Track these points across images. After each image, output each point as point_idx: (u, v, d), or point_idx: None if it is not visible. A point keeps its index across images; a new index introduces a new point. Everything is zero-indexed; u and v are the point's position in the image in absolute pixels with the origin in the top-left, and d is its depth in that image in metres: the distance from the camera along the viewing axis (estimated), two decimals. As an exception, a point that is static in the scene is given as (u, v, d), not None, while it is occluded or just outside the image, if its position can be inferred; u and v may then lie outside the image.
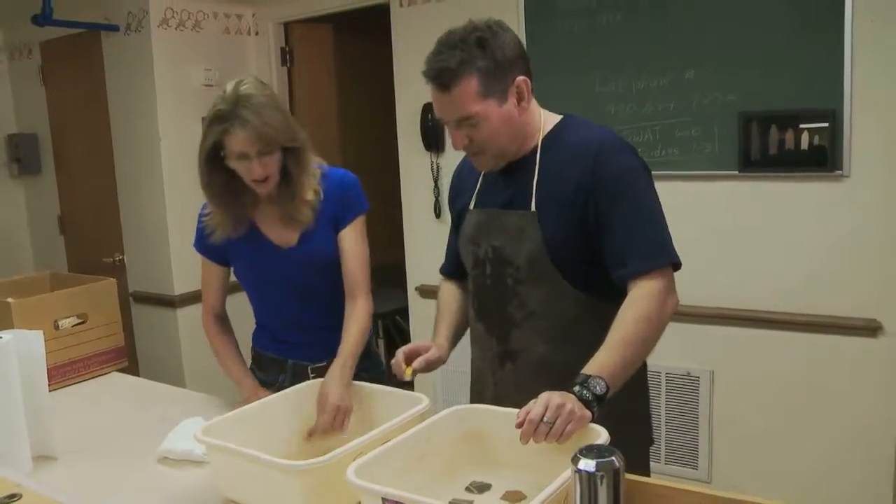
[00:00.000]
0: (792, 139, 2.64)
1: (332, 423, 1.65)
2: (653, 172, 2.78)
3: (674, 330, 2.91)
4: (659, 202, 1.58)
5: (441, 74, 1.50)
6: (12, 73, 4.34)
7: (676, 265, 1.54)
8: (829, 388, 2.71)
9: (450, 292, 1.84)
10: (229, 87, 1.75)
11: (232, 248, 1.92)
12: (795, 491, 2.79)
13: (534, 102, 1.63)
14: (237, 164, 1.76)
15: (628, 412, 1.34)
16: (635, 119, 2.94)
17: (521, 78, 1.55)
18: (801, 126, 2.61)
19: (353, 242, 1.91)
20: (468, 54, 1.49)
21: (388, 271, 3.71)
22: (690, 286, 2.88)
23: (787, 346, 2.77)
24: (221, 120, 1.72)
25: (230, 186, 1.82)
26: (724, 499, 1.18)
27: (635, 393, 1.62)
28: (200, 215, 1.95)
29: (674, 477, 2.99)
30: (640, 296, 1.47)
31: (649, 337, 1.46)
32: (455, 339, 1.75)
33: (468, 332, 1.79)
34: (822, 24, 2.53)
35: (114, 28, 3.71)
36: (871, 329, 2.61)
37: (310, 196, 1.86)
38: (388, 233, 3.68)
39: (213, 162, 1.78)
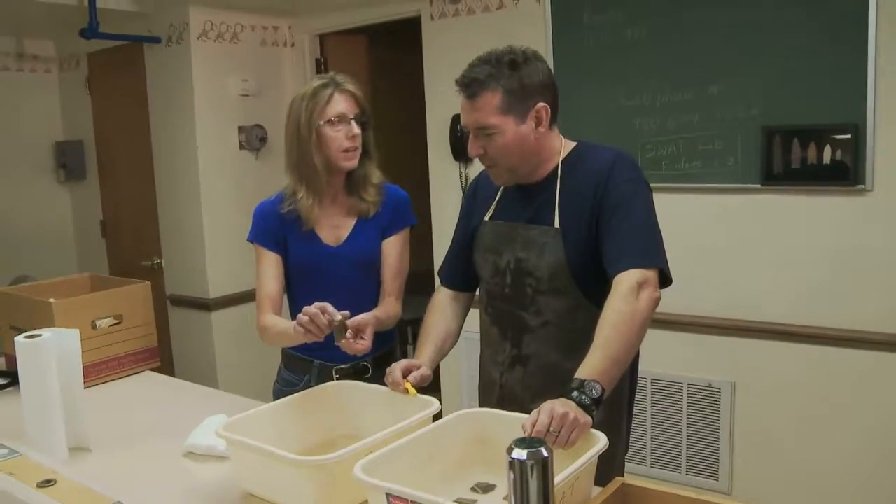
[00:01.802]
0: (814, 153, 2.65)
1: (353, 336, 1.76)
2: (676, 185, 2.82)
3: (695, 341, 3.00)
4: (655, 215, 1.66)
5: (469, 84, 1.64)
6: (61, 83, 4.53)
7: (662, 272, 1.61)
8: (850, 401, 2.71)
9: (440, 310, 1.91)
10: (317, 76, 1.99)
11: (285, 238, 2.02)
12: (817, 503, 2.79)
13: (555, 130, 1.74)
14: (333, 132, 1.90)
15: (602, 422, 1.42)
16: (659, 132, 2.98)
17: (542, 104, 1.66)
18: (824, 139, 2.62)
19: (395, 251, 2.06)
20: (497, 71, 1.62)
21: (417, 279, 3.76)
22: (712, 298, 2.94)
23: (809, 358, 2.78)
24: (323, 88, 1.91)
25: (317, 167, 1.94)
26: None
27: (612, 404, 1.69)
28: (259, 208, 2.05)
29: (694, 488, 3.01)
30: (614, 293, 1.55)
31: (628, 332, 1.51)
32: (437, 360, 1.83)
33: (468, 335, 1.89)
34: (845, 37, 2.54)
35: (156, 40, 3.86)
36: (892, 343, 2.60)
37: (376, 179, 2.02)
38: (417, 241, 3.75)
39: (315, 138, 1.91)
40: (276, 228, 2.01)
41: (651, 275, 1.57)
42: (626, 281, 1.55)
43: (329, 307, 1.71)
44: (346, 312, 1.73)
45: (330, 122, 1.90)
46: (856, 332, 2.66)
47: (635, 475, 3.07)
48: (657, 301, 1.57)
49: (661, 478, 3.10)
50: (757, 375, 2.90)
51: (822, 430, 2.78)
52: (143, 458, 1.78)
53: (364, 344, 1.77)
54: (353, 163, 1.95)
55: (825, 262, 2.71)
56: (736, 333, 2.92)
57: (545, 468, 0.74)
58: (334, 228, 2.02)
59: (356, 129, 1.92)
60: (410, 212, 2.11)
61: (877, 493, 2.68)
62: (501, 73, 1.62)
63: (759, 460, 2.93)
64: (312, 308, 1.70)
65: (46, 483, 1.40)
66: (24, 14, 3.68)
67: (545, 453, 0.74)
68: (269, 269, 2.03)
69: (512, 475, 0.74)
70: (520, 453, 0.73)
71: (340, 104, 1.91)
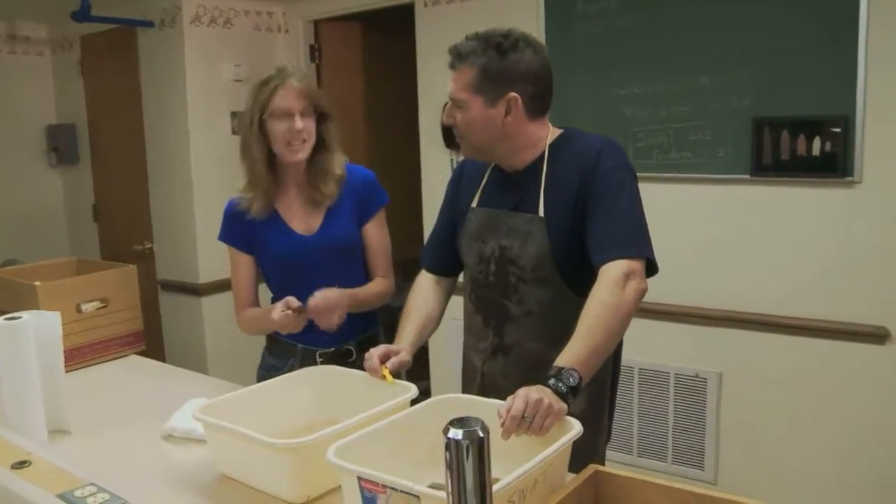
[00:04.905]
0: (804, 145, 2.65)
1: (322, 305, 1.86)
2: (666, 175, 2.76)
3: (683, 331, 3.00)
4: (641, 204, 1.65)
5: (455, 55, 1.66)
6: (54, 66, 4.51)
7: (649, 260, 1.60)
8: (836, 393, 2.72)
9: (422, 295, 1.90)
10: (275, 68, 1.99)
11: (255, 235, 2.03)
12: (802, 495, 2.80)
13: (542, 120, 1.72)
14: (279, 126, 1.90)
15: (584, 411, 1.42)
16: (650, 122, 2.97)
17: (513, 95, 1.64)
18: (814, 132, 2.62)
19: (376, 233, 2.08)
20: (481, 50, 1.63)
21: (408, 266, 3.77)
22: (700, 288, 2.94)
23: (796, 350, 2.78)
24: (270, 81, 1.92)
25: (268, 161, 1.97)
26: (699, 495, 1.23)
27: (594, 393, 1.70)
28: (227, 208, 2.06)
29: (679, 477, 3.02)
30: (600, 283, 1.54)
31: (611, 322, 1.50)
32: (418, 344, 1.82)
33: (459, 322, 1.88)
34: (836, 30, 2.54)
35: (148, 24, 3.84)
36: (879, 336, 2.60)
37: (337, 171, 2.01)
38: (408, 228, 3.75)
39: (256, 130, 1.93)
40: (244, 228, 2.02)
41: (637, 265, 1.56)
42: (612, 271, 1.53)
43: (291, 301, 1.86)
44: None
45: (272, 114, 1.91)
46: (844, 325, 2.66)
47: (621, 464, 3.11)
48: (643, 292, 1.56)
49: (647, 467, 3.11)
50: (744, 366, 2.90)
51: (809, 422, 2.78)
52: (123, 441, 1.78)
53: (325, 300, 1.86)
54: (298, 156, 1.94)
55: (814, 254, 2.71)
56: (724, 324, 2.92)
57: (481, 449, 0.74)
58: (305, 218, 2.02)
59: (299, 125, 1.90)
60: (380, 191, 2.10)
61: (862, 486, 2.69)
62: (485, 52, 1.62)
63: (744, 451, 2.94)
64: (283, 309, 1.86)
65: (21, 464, 1.40)
66: (16, -5, 3.67)
67: (481, 434, 0.75)
68: (241, 271, 2.08)
69: (448, 455, 0.74)
70: (455, 433, 0.74)
71: (285, 99, 1.90)
